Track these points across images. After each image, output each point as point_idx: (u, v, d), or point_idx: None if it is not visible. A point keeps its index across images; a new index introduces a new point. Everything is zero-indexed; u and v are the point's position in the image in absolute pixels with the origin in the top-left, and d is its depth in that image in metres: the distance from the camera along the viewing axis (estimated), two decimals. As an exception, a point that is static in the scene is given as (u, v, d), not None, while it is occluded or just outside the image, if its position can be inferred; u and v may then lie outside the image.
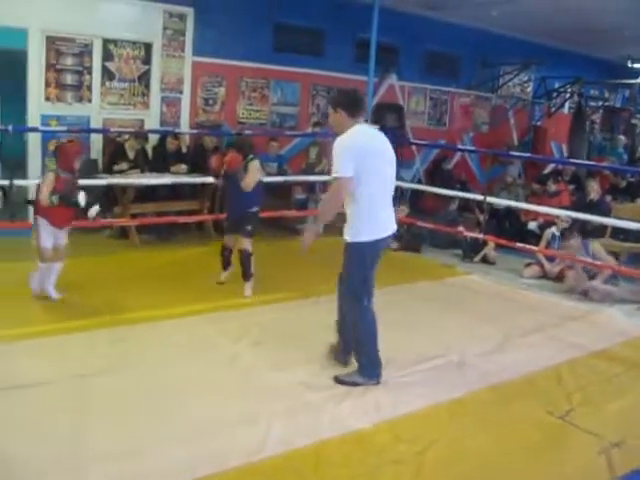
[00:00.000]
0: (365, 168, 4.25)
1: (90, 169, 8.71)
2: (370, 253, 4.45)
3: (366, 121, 4.57)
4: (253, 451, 3.62)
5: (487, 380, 4.83)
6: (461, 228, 8.74)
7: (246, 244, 6.43)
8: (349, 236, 4.45)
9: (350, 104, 4.42)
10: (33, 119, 8.68)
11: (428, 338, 5.65)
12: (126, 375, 4.53)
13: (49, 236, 5.81)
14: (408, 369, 4.91)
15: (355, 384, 4.51)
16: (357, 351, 4.62)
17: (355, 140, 4.31)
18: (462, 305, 6.75)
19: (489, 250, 8.60)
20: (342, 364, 4.78)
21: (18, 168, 8.61)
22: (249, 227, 6.42)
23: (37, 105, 8.69)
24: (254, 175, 6.29)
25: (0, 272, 6.64)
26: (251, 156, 6.35)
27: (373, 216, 4.39)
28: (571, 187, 11.03)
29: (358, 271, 4.47)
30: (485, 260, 8.60)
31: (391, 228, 4.55)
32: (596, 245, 7.46)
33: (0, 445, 3.53)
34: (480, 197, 8.90)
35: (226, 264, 6.72)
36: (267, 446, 3.69)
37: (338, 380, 4.55)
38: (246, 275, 6.46)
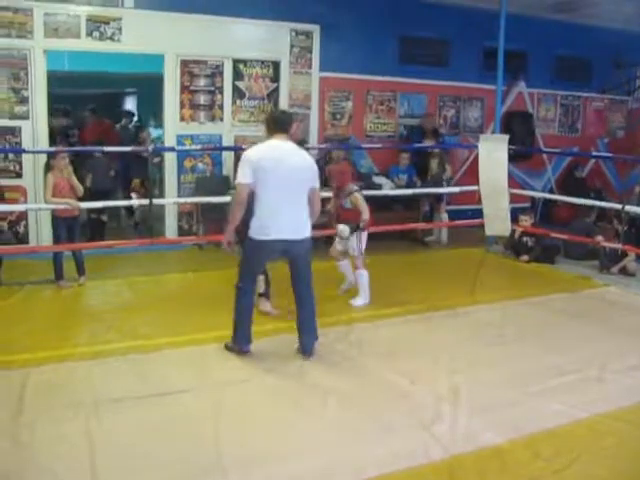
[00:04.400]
0: (260, 176, 4.82)
1: (223, 185, 9.03)
2: (254, 249, 5.05)
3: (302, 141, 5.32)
4: (387, 462, 3.63)
5: (629, 397, 4.60)
6: (600, 238, 8.36)
7: None
8: (249, 230, 5.01)
9: (269, 123, 5.09)
10: (169, 139, 9.12)
11: (565, 352, 5.45)
12: (264, 385, 4.68)
13: None
14: (545, 383, 4.77)
15: (228, 348, 5.22)
16: (234, 322, 5.19)
17: (255, 152, 4.92)
18: (600, 318, 6.46)
19: (629, 261, 8.20)
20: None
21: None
22: None
23: (173, 125, 9.11)
24: None
25: (147, 284, 7.14)
26: None
27: (261, 219, 4.92)
28: None
29: (244, 259, 5.17)
30: (624, 272, 8.21)
31: (286, 234, 4.95)
32: None
33: (148, 448, 3.74)
34: (618, 206, 8.51)
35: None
36: (401, 458, 3.68)
37: (225, 346, 5.26)
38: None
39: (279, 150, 4.93)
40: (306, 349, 5.18)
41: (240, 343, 5.18)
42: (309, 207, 5.06)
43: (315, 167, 5.13)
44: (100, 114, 11.58)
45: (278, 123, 5.05)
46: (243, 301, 5.15)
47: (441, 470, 3.60)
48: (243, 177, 4.85)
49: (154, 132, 12.32)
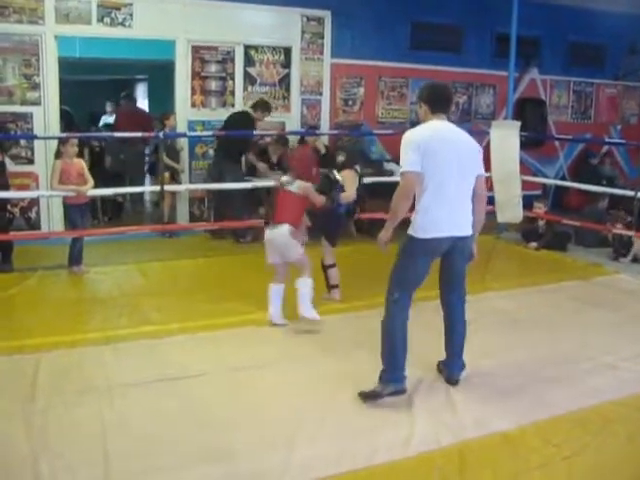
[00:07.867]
0: (429, 163, 4.04)
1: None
2: (420, 251, 4.17)
3: (450, 119, 4.30)
4: (397, 448, 3.64)
5: (641, 385, 4.60)
6: (620, 226, 8.30)
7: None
8: (409, 228, 4.18)
9: (432, 99, 4.25)
10: (181, 125, 9.11)
11: (576, 339, 5.44)
12: (276, 371, 4.69)
13: None
14: (556, 370, 4.76)
15: (375, 395, 4.15)
16: (385, 350, 4.25)
17: (419, 134, 4.14)
18: (612, 306, 6.43)
19: (638, 249, 8.15)
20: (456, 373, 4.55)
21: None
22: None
23: (184, 112, 9.13)
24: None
25: (158, 270, 7.21)
26: None
27: (429, 213, 4.11)
28: None
29: (403, 263, 4.21)
30: (635, 259, 8.16)
31: (454, 230, 4.20)
32: None
33: (160, 433, 3.76)
34: (630, 193, 8.45)
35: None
36: (411, 444, 3.69)
37: (361, 396, 4.20)
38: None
39: (444, 132, 4.18)
40: (452, 377, 4.52)
41: (394, 380, 4.17)
42: (476, 198, 4.31)
43: (481, 152, 4.40)
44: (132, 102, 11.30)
45: (440, 101, 4.27)
46: (398, 319, 4.19)
47: (452, 455, 3.60)
48: (410, 164, 4.01)
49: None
